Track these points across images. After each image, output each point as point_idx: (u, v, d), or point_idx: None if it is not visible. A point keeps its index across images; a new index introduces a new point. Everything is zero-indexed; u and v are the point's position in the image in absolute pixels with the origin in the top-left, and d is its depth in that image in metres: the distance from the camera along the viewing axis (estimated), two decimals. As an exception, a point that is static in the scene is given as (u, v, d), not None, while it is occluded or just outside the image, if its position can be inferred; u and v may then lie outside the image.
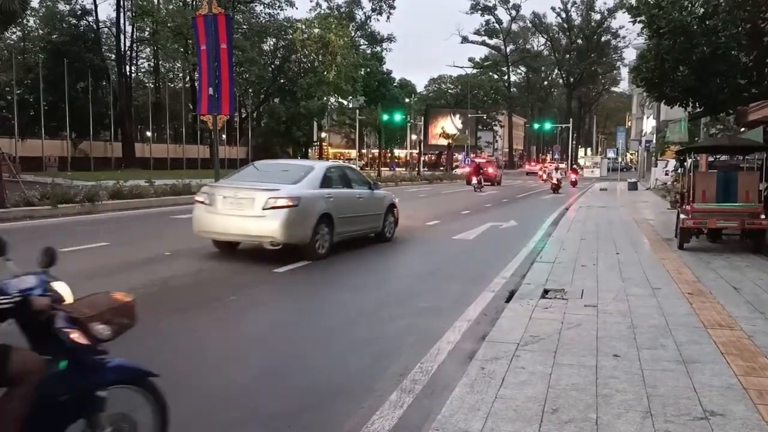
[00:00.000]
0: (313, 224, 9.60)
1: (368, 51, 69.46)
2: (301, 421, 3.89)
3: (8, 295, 2.52)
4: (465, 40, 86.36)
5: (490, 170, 35.61)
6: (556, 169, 36.97)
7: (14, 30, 45.97)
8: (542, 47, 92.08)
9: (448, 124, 72.91)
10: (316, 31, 52.74)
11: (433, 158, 78.99)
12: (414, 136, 70.24)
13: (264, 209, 9.20)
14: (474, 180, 32.79)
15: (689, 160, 12.40)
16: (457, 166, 64.38)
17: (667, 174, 31.98)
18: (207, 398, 4.32)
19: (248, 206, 9.35)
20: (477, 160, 49.51)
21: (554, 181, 32.98)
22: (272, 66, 55.63)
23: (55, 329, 2.64)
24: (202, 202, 9.90)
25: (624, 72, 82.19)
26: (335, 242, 10.22)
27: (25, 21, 45.31)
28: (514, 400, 4.06)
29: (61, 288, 2.80)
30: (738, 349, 5.21)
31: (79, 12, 49.60)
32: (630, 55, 73.79)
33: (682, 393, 4.20)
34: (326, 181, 10.46)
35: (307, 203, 9.62)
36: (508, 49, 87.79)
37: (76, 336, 2.69)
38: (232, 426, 3.89)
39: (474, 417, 3.77)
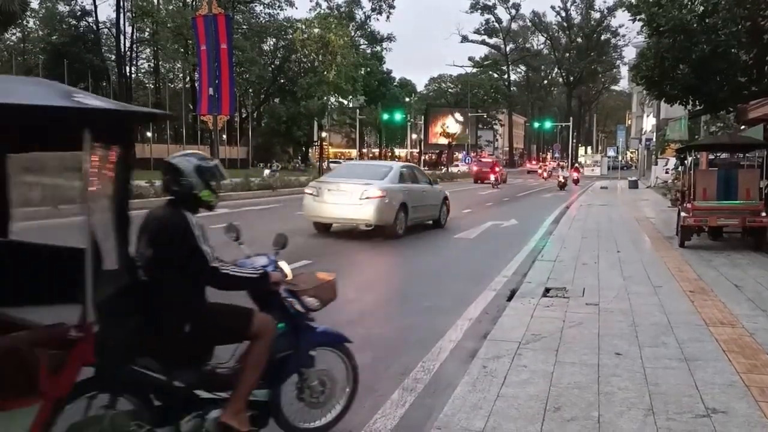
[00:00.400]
0: (395, 211, 12.24)
1: (368, 51, 69.44)
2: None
3: (254, 269, 3.26)
4: (465, 39, 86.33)
5: (497, 169, 39.26)
6: (562, 168, 40.64)
7: (14, 31, 46.03)
8: (542, 46, 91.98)
9: (450, 121, 72.91)
10: (316, 30, 52.65)
11: (433, 157, 78.95)
12: (414, 136, 70.20)
13: (360, 199, 11.84)
14: (492, 178, 36.18)
15: (690, 158, 12.39)
16: (456, 165, 64.25)
17: (667, 172, 31.95)
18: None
19: (348, 196, 11.93)
20: (483, 159, 50.66)
21: (560, 179, 35.88)
22: (272, 66, 55.68)
23: (281, 298, 3.35)
24: (311, 194, 12.46)
25: (624, 70, 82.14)
26: (408, 226, 12.68)
27: (24, 22, 45.30)
28: (516, 399, 4.06)
29: (284, 266, 3.50)
30: (740, 346, 5.21)
31: (79, 13, 49.68)
32: (630, 53, 73.73)
33: (684, 391, 4.20)
34: (402, 178, 13.09)
35: (391, 195, 12.21)
36: (507, 48, 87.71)
37: (296, 305, 3.41)
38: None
39: (476, 416, 3.77)
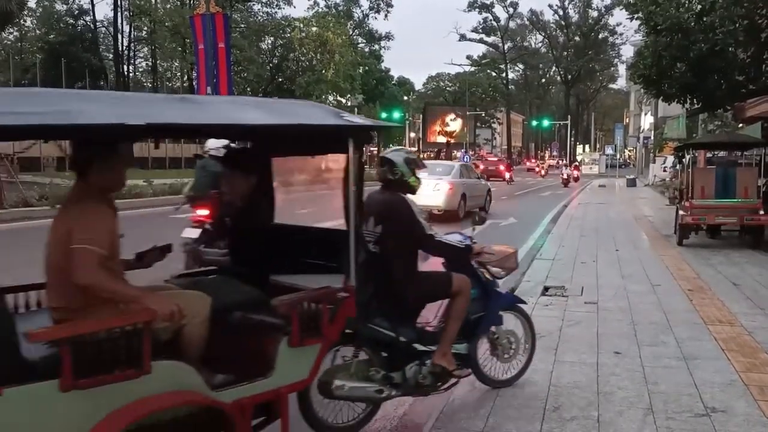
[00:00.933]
0: (458, 199, 15.77)
1: (366, 49, 69.38)
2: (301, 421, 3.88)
3: (460, 242, 4.03)
4: (463, 38, 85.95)
5: (501, 167, 42.36)
6: (565, 166, 44.32)
7: (11, 30, 45.87)
8: (540, 44, 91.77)
9: (449, 120, 72.91)
10: (314, 29, 52.54)
11: (431, 156, 78.90)
12: (413, 134, 70.10)
13: (434, 190, 14.77)
14: (507, 175, 40.36)
15: (687, 157, 12.41)
16: None
17: (665, 170, 31.96)
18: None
19: (424, 188, 14.11)
20: (490, 158, 52.70)
21: (564, 176, 38.17)
22: (270, 65, 55.51)
23: (474, 268, 4.04)
24: None
25: (622, 69, 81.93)
26: (466, 211, 15.73)
27: (22, 21, 45.16)
28: (516, 398, 4.07)
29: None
30: (738, 345, 5.22)
31: (77, 12, 49.58)
32: (627, 52, 73.78)
33: (684, 390, 4.21)
34: (461, 174, 16.74)
35: (456, 187, 15.77)
36: (505, 47, 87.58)
37: (486, 273, 4.13)
38: None
39: (476, 415, 3.78)
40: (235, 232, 3.68)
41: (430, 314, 4.01)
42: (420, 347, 3.75)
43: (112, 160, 2.68)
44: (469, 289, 3.88)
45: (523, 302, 4.52)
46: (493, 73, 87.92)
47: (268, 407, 2.90)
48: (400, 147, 3.63)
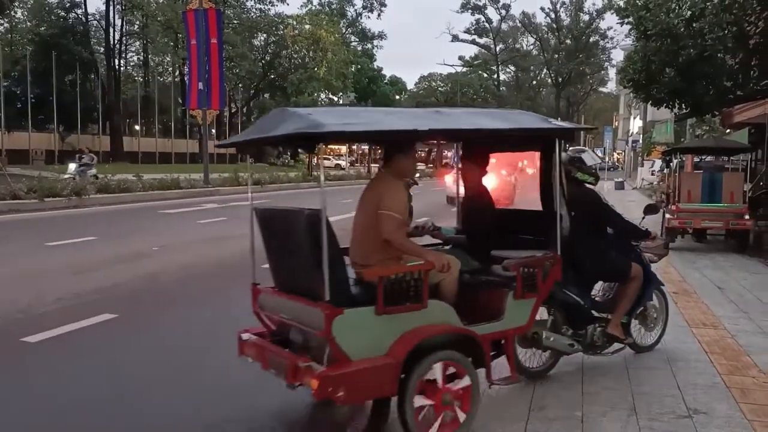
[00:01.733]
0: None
1: (359, 48, 69.36)
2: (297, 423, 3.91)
3: (641, 228, 4.87)
4: (455, 38, 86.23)
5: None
6: None
7: (2, 21, 45.45)
8: (531, 47, 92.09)
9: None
10: (307, 27, 52.47)
11: (422, 155, 78.74)
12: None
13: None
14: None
15: (675, 161, 12.52)
16: (446, 164, 64.23)
17: (653, 174, 32.20)
18: (201, 395, 4.33)
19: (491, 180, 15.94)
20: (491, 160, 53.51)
21: None
22: (263, 61, 55.35)
23: (640, 252, 4.96)
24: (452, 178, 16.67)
25: (612, 72, 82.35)
26: None
27: (12, 12, 44.70)
28: (502, 398, 4.11)
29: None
30: (722, 348, 5.29)
31: (68, 4, 49.05)
32: (618, 55, 74.08)
33: (667, 391, 4.27)
34: None
35: None
36: (497, 48, 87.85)
37: (645, 258, 4.96)
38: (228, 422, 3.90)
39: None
40: (468, 215, 4.49)
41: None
42: (595, 313, 4.56)
43: (409, 155, 3.71)
44: (641, 277, 4.70)
45: (662, 283, 5.29)
46: (485, 74, 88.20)
47: (497, 344, 3.81)
48: (573, 147, 4.26)
